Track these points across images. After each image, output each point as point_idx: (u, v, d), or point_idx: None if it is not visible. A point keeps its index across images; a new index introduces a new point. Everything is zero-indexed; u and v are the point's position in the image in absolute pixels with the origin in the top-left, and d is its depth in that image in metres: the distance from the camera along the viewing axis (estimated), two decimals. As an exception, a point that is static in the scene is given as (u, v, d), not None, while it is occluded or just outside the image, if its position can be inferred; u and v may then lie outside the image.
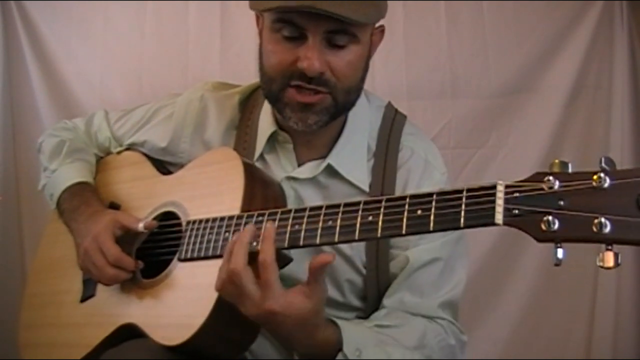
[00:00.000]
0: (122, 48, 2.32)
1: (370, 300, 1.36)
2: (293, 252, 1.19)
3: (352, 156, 1.36)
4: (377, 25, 1.33)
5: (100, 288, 1.41)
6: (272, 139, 1.39)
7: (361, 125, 1.38)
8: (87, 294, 1.43)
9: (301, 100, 1.25)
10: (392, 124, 1.40)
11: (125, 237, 1.37)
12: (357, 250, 1.34)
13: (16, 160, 2.25)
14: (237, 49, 2.21)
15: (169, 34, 2.31)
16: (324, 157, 1.36)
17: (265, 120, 1.40)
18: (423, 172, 1.36)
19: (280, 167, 1.38)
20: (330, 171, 1.35)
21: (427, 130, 2.21)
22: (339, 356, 1.18)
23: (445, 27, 2.29)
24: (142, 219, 1.37)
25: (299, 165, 1.37)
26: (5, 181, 2.23)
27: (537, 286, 2.28)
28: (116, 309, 1.35)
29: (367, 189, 1.34)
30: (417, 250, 1.32)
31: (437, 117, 2.27)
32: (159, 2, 2.31)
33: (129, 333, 1.28)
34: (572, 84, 2.27)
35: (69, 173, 1.51)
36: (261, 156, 1.39)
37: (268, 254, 1.10)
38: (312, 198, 1.35)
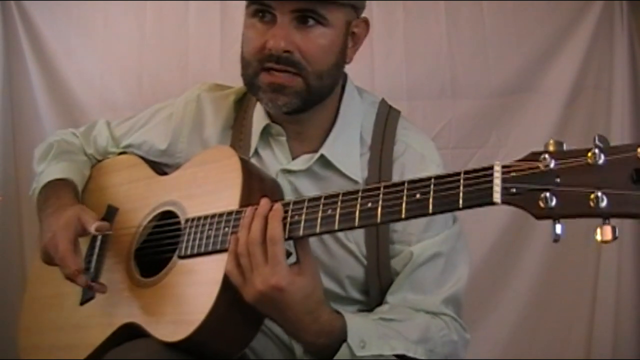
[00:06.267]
0: (122, 48, 2.31)
1: (373, 294, 1.38)
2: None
3: (345, 148, 1.37)
4: (360, 16, 1.36)
5: None
6: (265, 133, 1.41)
7: (353, 119, 1.40)
8: (87, 297, 1.42)
9: (272, 81, 1.28)
10: (387, 118, 1.42)
11: (121, 239, 1.37)
12: (355, 244, 1.35)
13: (16, 160, 2.25)
14: (237, 49, 2.17)
15: (169, 34, 2.31)
16: (317, 150, 1.37)
17: (258, 116, 1.42)
18: (419, 165, 1.37)
19: (275, 161, 1.39)
20: (324, 162, 1.37)
21: (427, 130, 2.21)
22: (344, 347, 1.20)
23: (445, 27, 2.29)
24: (97, 220, 1.34)
25: (293, 159, 1.39)
26: (5, 181, 2.23)
27: (537, 286, 2.28)
28: (117, 309, 1.34)
29: (360, 181, 1.35)
30: (420, 245, 1.33)
31: (437, 117, 2.27)
32: (159, 2, 2.31)
33: (131, 333, 1.28)
34: (572, 84, 2.27)
35: (52, 172, 1.51)
36: (256, 152, 1.41)
37: (277, 230, 1.14)
38: (308, 190, 1.36)
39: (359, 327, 1.22)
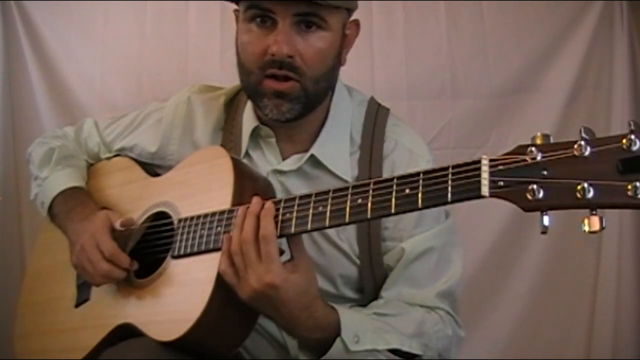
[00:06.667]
0: (122, 48, 2.31)
1: (368, 292, 1.38)
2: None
3: (335, 148, 1.38)
4: (350, 19, 1.36)
5: (94, 291, 1.41)
6: (255, 135, 1.41)
7: (343, 118, 1.40)
8: (82, 298, 1.43)
9: (275, 88, 1.28)
10: (376, 116, 1.42)
11: (119, 239, 1.37)
12: (347, 242, 1.36)
13: (16, 160, 2.25)
14: (238, 49, 2.21)
15: (169, 34, 2.31)
16: (308, 150, 1.38)
17: (248, 118, 1.42)
18: (408, 161, 1.38)
19: (266, 162, 1.40)
20: (314, 162, 1.38)
21: (427, 130, 2.21)
22: (337, 342, 1.20)
23: (445, 27, 2.29)
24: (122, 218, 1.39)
25: (284, 159, 1.40)
26: (5, 181, 2.23)
27: (537, 286, 2.28)
28: (112, 310, 1.35)
29: (350, 180, 1.36)
30: (411, 241, 1.34)
31: (437, 117, 2.27)
32: (159, 2, 2.31)
33: (126, 333, 1.29)
34: (572, 84, 2.26)
35: (61, 179, 1.52)
36: (247, 153, 1.42)
37: (269, 228, 1.14)
38: (299, 190, 1.36)
39: (353, 321, 1.23)
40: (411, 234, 1.34)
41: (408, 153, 1.38)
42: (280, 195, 1.35)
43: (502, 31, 2.29)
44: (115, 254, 1.33)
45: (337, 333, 1.21)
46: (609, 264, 2.23)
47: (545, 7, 2.28)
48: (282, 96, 1.29)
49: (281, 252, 1.17)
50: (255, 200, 1.19)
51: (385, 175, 1.36)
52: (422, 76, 2.29)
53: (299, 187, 1.37)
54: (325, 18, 1.27)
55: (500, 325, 2.29)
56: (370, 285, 1.37)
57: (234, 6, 1.36)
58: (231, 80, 1.57)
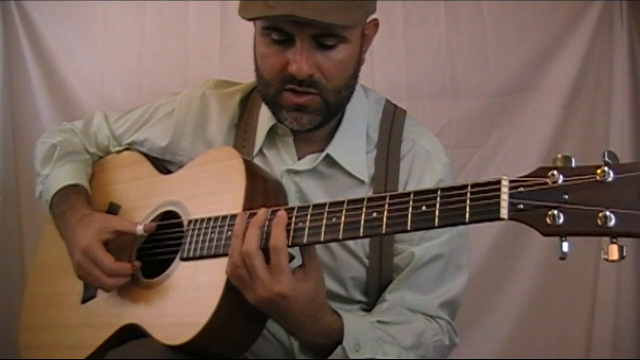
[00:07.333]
0: (122, 48, 2.31)
1: (372, 294, 1.37)
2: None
3: (351, 147, 1.37)
4: (369, 19, 1.34)
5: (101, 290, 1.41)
6: (272, 133, 1.40)
7: (359, 118, 1.39)
8: (89, 295, 1.42)
9: (295, 102, 1.27)
10: (394, 116, 1.41)
11: (124, 239, 1.36)
12: (361, 242, 1.35)
13: (16, 160, 2.25)
14: (237, 49, 2.21)
15: (169, 34, 2.31)
16: (323, 150, 1.37)
17: (265, 116, 1.41)
18: (425, 163, 1.37)
19: (281, 161, 1.39)
20: (330, 162, 1.36)
21: (427, 130, 2.21)
22: (339, 349, 1.20)
23: (445, 27, 2.29)
24: (139, 222, 1.37)
25: (299, 159, 1.39)
26: (5, 181, 2.23)
27: (537, 286, 2.28)
28: (118, 309, 1.34)
29: (366, 179, 1.35)
30: (423, 247, 1.33)
31: (437, 117, 2.27)
32: (159, 2, 2.31)
33: (132, 334, 1.28)
34: (572, 84, 2.26)
35: (59, 177, 1.51)
36: (261, 152, 1.40)
37: (280, 238, 1.13)
38: (314, 191, 1.36)
39: (356, 329, 1.22)
40: (423, 237, 1.32)
41: (426, 155, 1.37)
42: (293, 195, 1.34)
43: (502, 31, 2.29)
44: (114, 269, 1.32)
45: (340, 340, 1.20)
46: (609, 263, 2.23)
47: (545, 7, 2.27)
48: (302, 109, 1.28)
49: (291, 258, 1.16)
50: (262, 212, 1.17)
51: (402, 175, 1.36)
52: (422, 76, 2.29)
53: (313, 188, 1.36)
54: (344, 35, 1.25)
55: (500, 325, 2.29)
56: (375, 287, 1.37)
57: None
58: (231, 80, 1.57)
